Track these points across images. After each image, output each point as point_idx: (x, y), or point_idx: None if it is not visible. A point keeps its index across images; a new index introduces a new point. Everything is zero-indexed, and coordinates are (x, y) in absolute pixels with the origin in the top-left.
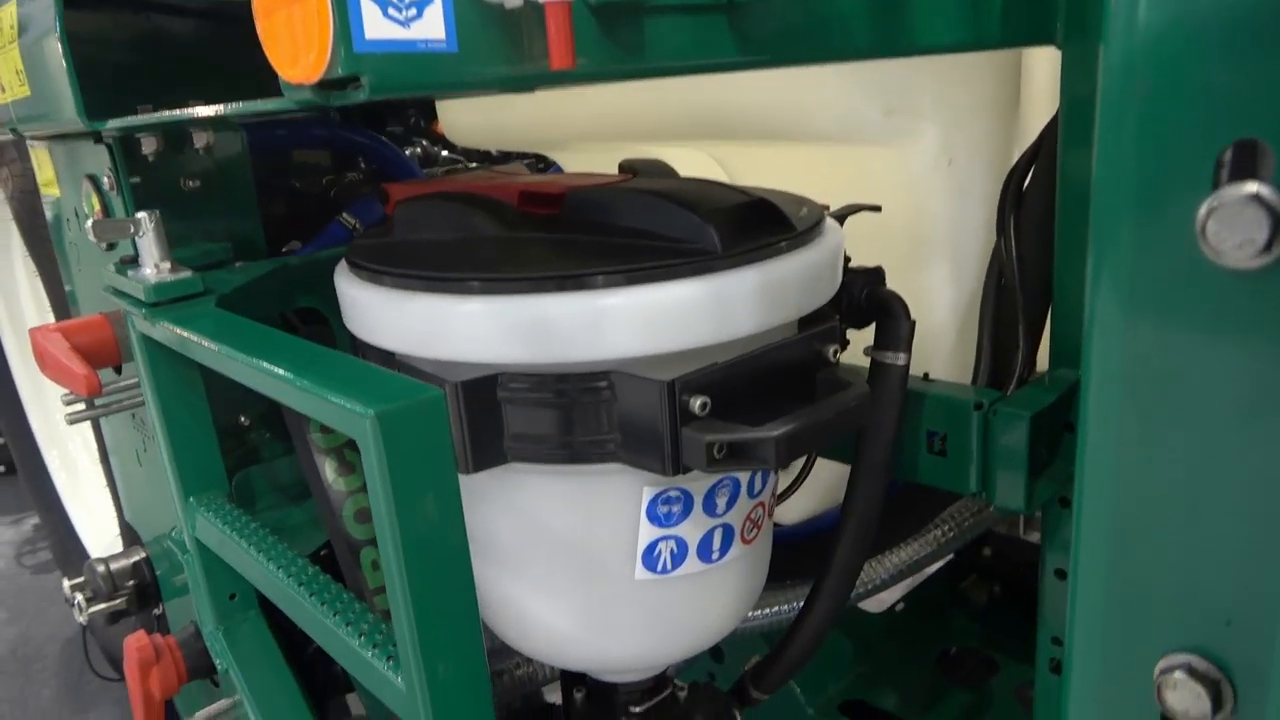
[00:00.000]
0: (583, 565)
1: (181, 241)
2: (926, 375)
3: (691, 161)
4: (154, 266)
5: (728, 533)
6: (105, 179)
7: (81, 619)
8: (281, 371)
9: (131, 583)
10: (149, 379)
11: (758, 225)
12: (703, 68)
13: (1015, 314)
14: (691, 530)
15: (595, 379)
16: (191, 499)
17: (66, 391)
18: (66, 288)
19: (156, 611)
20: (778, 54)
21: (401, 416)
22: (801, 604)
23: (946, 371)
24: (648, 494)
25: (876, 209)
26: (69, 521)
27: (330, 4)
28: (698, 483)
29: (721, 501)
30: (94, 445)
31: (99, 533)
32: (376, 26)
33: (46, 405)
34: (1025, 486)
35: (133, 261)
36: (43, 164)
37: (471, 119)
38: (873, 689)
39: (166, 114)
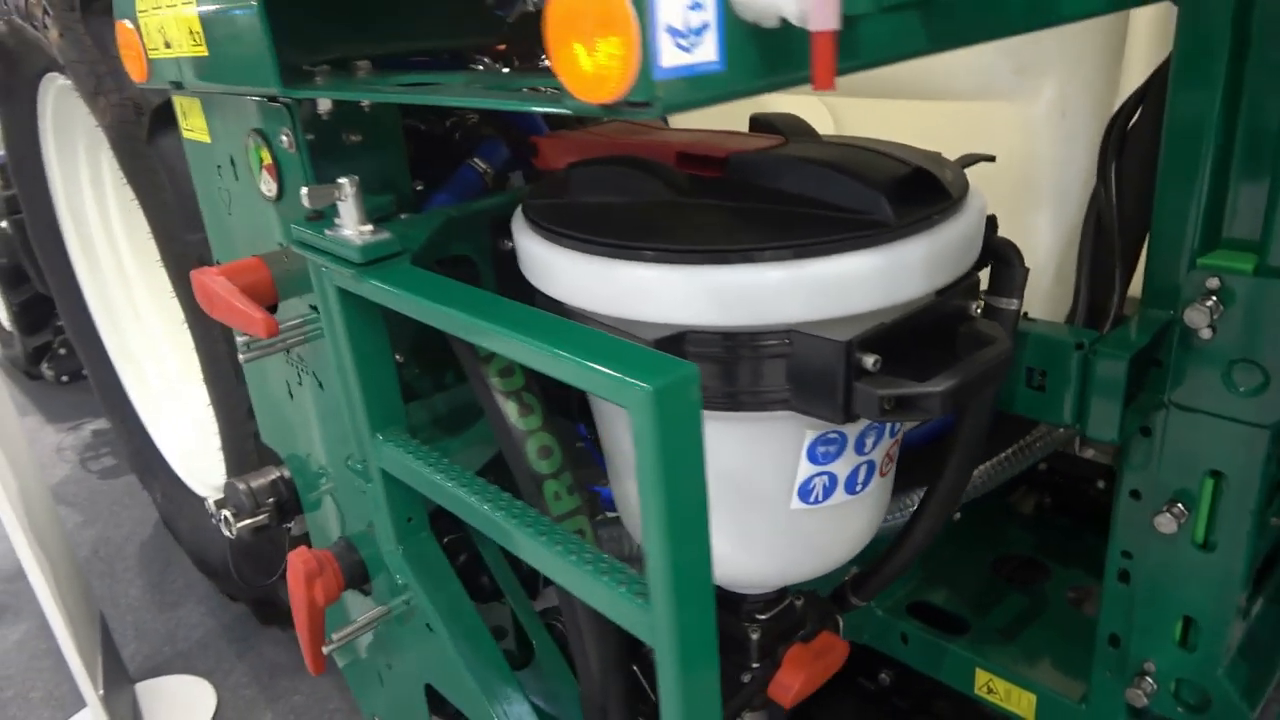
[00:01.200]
0: (746, 497)
1: None
2: (1025, 314)
3: (804, 110)
4: (355, 228)
5: (870, 468)
6: (283, 138)
7: (230, 534)
8: (543, 343)
9: (272, 499)
10: (343, 328)
11: (921, 194)
12: (899, 58)
13: (1111, 256)
14: (843, 467)
15: (777, 337)
16: (378, 434)
17: (136, 312)
18: (205, 232)
19: (288, 525)
20: (956, 38)
21: (672, 390)
22: (908, 515)
23: (1043, 309)
24: (810, 436)
25: (992, 159)
26: (145, 432)
27: (639, 41)
28: (853, 425)
29: (870, 441)
30: (167, 363)
31: (175, 441)
32: (669, 55)
33: (118, 323)
34: (1119, 419)
35: (319, 219)
36: (189, 111)
37: None
38: (934, 590)
39: (393, 93)
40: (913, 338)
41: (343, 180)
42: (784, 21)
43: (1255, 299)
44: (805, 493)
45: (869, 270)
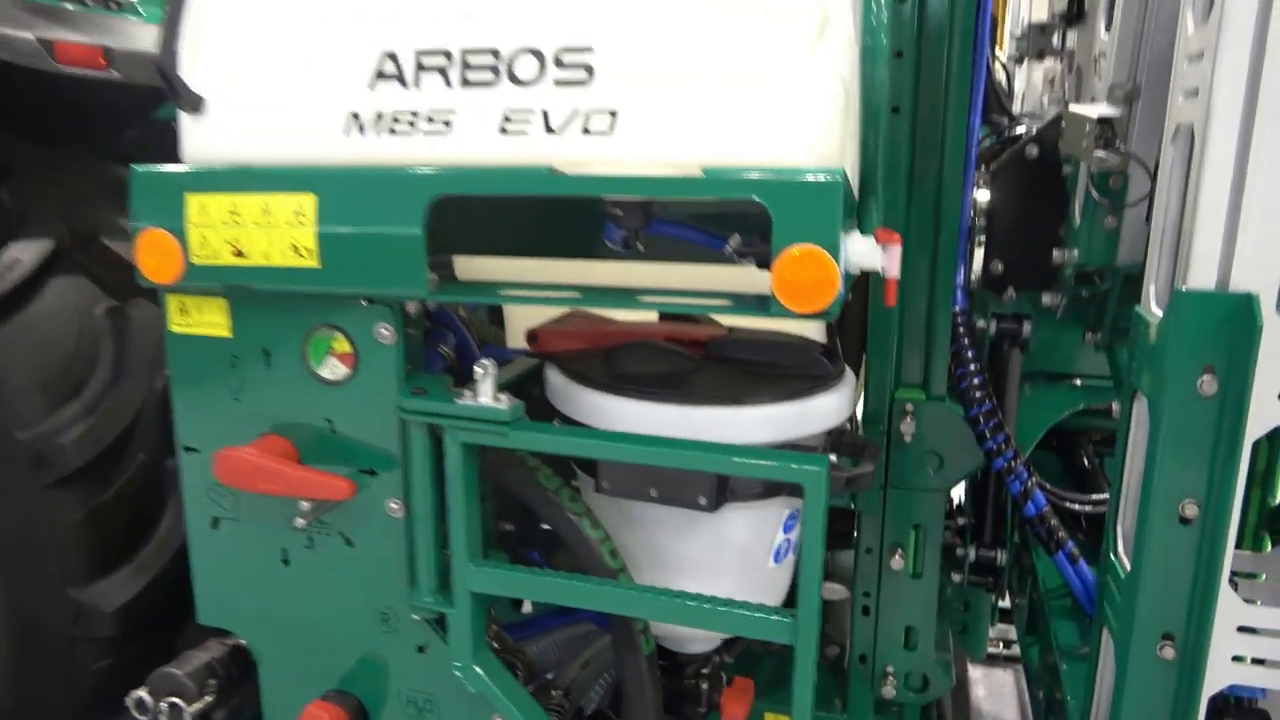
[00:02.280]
0: (746, 561)
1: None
2: None
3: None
4: (491, 396)
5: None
6: (382, 331)
7: None
8: (713, 453)
9: (212, 680)
10: (460, 476)
11: (829, 357)
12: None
13: None
14: (793, 536)
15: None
16: (472, 563)
17: None
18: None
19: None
20: None
21: (822, 474)
22: None
23: None
24: (787, 512)
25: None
26: None
27: (839, 275)
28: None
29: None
30: None
31: None
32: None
33: None
34: (872, 500)
35: (423, 393)
36: (199, 308)
37: None
38: None
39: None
40: (840, 446)
41: (486, 362)
42: (874, 271)
43: (930, 414)
44: (777, 555)
45: (835, 403)
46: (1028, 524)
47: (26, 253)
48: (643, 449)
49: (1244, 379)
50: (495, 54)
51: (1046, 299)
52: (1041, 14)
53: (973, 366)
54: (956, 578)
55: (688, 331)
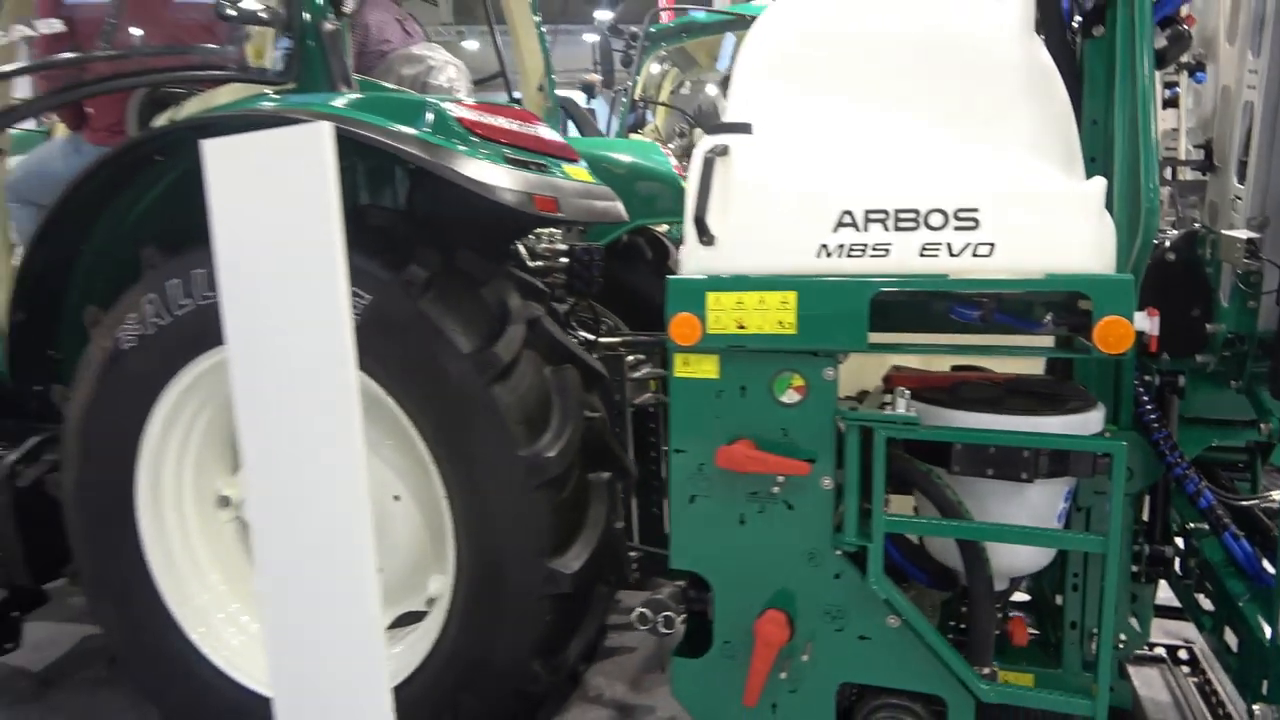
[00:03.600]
0: (1041, 520)
1: None
2: None
3: None
4: (906, 408)
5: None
6: (828, 372)
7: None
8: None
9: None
10: (882, 457)
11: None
12: None
13: None
14: (1068, 504)
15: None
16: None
17: None
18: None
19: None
20: None
21: (1124, 447)
22: None
23: None
24: (1066, 488)
25: None
26: None
27: (1134, 333)
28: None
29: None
30: None
31: None
32: None
33: None
34: None
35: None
36: (698, 361)
37: None
38: None
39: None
40: None
41: (904, 390)
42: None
43: (1123, 439)
44: (1060, 516)
45: (1098, 416)
46: (1202, 514)
47: (514, 335)
48: (998, 437)
49: None
50: (916, 213)
51: (1200, 359)
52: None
53: (1149, 406)
54: (1135, 568)
55: (981, 376)
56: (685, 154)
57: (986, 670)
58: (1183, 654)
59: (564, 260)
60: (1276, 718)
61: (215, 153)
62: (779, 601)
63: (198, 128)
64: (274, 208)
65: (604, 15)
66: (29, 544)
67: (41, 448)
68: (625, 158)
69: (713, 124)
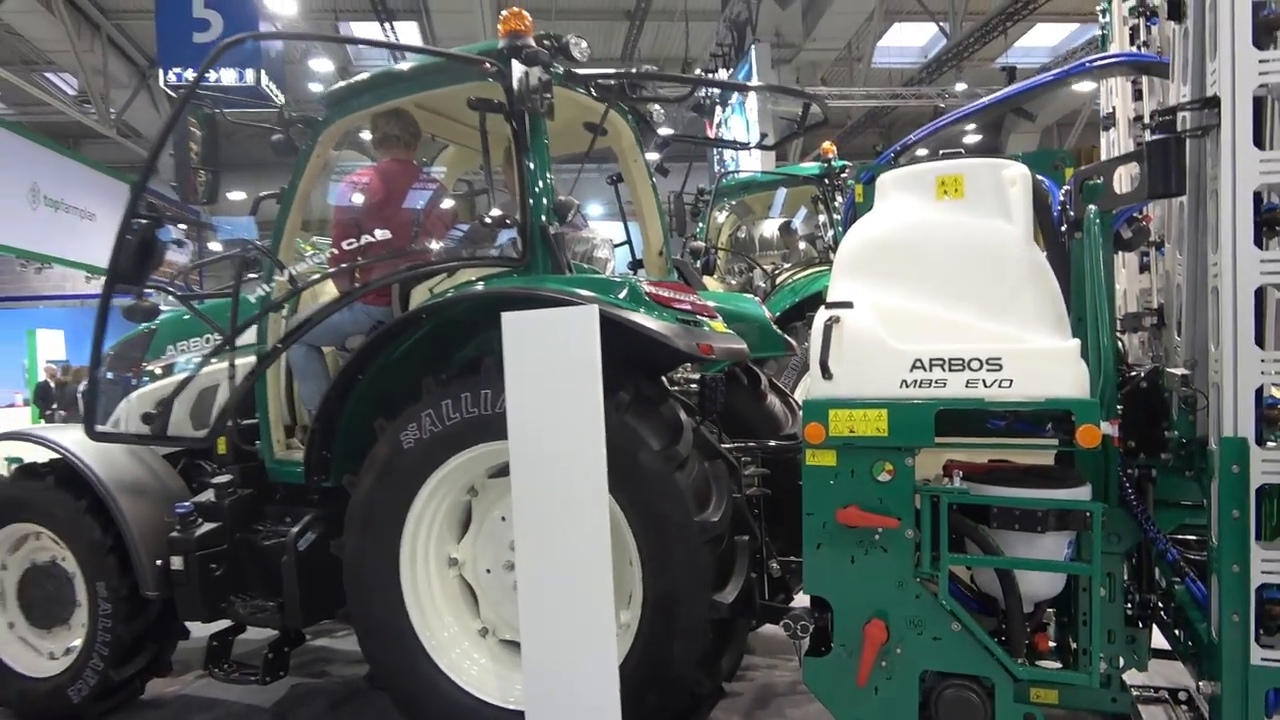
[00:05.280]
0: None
1: None
2: None
3: None
4: (959, 482)
5: None
6: (908, 460)
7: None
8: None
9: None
10: (946, 521)
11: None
12: None
13: None
14: (1070, 550)
15: None
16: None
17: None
18: (817, 499)
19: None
20: None
21: (1100, 506)
22: None
23: None
24: (1069, 539)
25: None
26: None
27: (1102, 435)
28: None
29: None
30: None
31: None
32: None
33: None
34: None
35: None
36: (823, 454)
37: None
38: None
39: None
40: None
41: (959, 473)
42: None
43: (1112, 514)
44: (1066, 559)
45: (1089, 489)
46: (1170, 566)
47: (687, 438)
48: (1021, 501)
49: None
50: (962, 360)
51: (1164, 456)
52: None
53: (1129, 489)
54: (1129, 610)
55: (1008, 464)
56: (745, 288)
57: (1020, 659)
58: (1182, 695)
59: (693, 386)
60: (1214, 691)
61: (511, 321)
62: (879, 614)
63: (487, 298)
64: (552, 359)
65: (651, 156)
66: (304, 595)
67: (311, 524)
68: (728, 306)
69: (828, 302)
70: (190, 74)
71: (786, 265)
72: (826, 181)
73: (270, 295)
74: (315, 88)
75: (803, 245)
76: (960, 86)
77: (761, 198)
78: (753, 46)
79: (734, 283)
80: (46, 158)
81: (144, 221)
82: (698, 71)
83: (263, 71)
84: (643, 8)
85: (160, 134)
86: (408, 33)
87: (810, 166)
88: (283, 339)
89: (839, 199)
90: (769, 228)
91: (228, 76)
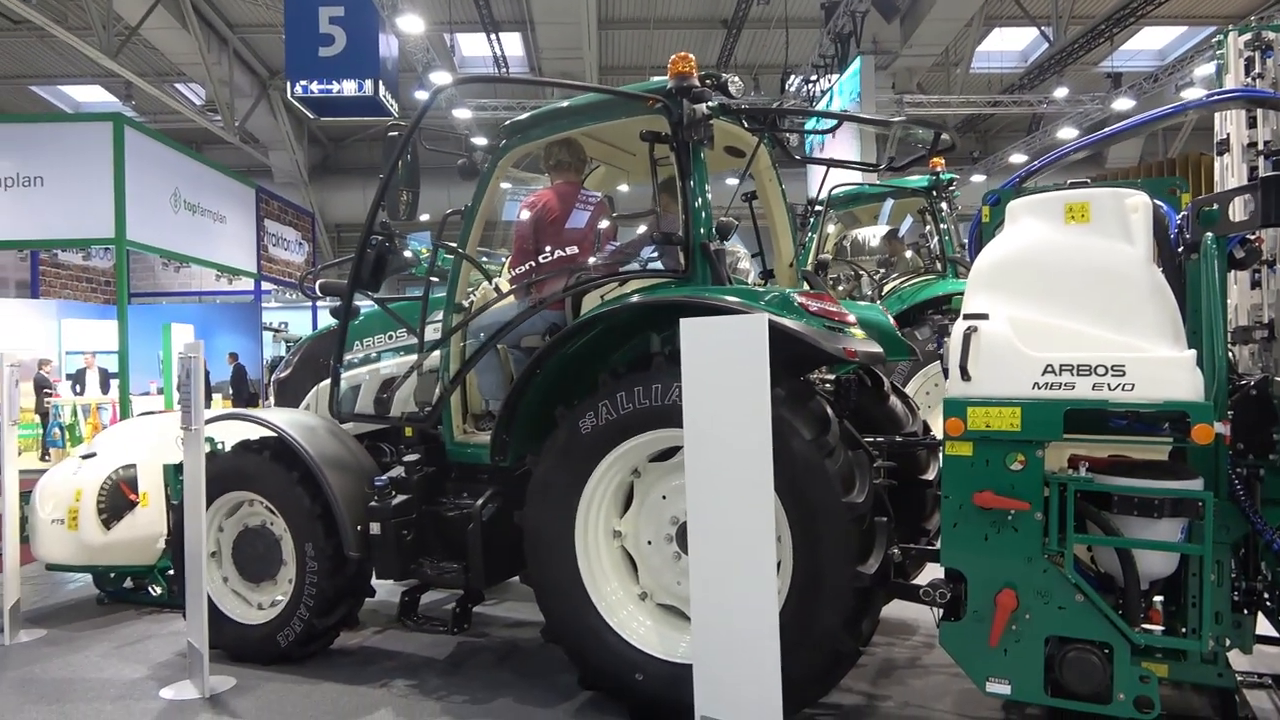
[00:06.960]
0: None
1: None
2: None
3: None
4: (1085, 472)
5: None
6: (1038, 453)
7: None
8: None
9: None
10: (1058, 507)
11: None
12: None
13: None
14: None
15: None
16: (1073, 533)
17: None
18: (953, 487)
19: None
20: None
21: (1210, 495)
22: None
23: None
24: (1183, 523)
25: None
26: None
27: (1215, 434)
28: None
29: None
30: None
31: None
32: None
33: None
34: None
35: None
36: (960, 445)
37: None
38: None
39: None
40: None
41: (1085, 464)
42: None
43: (1220, 507)
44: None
45: (1202, 481)
46: (1275, 555)
47: (835, 429)
48: (1139, 489)
49: None
50: (1089, 366)
51: (1272, 457)
52: None
53: (1239, 485)
54: (1235, 597)
55: (1127, 458)
56: (850, 295)
57: (1136, 628)
58: None
59: (828, 386)
60: None
61: (690, 326)
62: (1010, 584)
63: (661, 305)
64: (725, 360)
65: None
66: (487, 559)
67: (492, 497)
68: (858, 314)
69: (965, 313)
70: (316, 87)
71: (892, 275)
72: (934, 193)
73: (473, 301)
74: (420, 95)
75: (909, 254)
76: (1061, 92)
77: (869, 208)
78: (858, 59)
79: (842, 289)
80: (184, 164)
81: (379, 238)
82: (794, 80)
83: (380, 82)
84: (740, 16)
85: (389, 164)
86: (512, 43)
87: (918, 179)
88: (490, 338)
89: (945, 210)
90: (873, 234)
91: (349, 87)
